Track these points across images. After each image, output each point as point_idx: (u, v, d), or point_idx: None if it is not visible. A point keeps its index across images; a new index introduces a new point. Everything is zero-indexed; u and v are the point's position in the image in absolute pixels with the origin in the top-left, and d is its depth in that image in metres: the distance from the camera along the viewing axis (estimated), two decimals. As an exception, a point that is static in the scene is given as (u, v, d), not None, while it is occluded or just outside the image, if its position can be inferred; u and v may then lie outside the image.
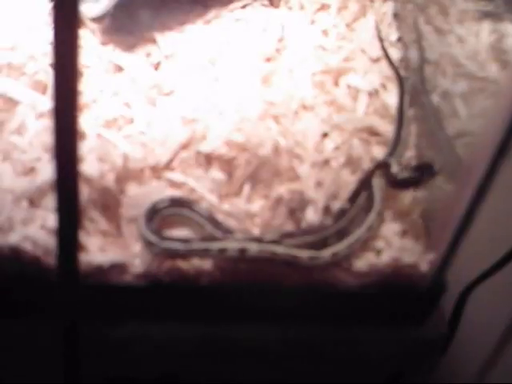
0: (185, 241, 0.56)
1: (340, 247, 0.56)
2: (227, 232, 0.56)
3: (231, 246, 0.55)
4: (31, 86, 0.65)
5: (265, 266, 0.57)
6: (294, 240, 0.56)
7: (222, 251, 0.55)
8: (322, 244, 0.57)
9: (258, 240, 0.56)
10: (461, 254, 0.56)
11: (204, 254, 0.56)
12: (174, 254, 0.56)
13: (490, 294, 0.65)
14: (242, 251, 0.55)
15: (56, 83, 0.38)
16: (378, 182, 0.60)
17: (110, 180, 0.58)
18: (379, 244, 0.58)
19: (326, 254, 0.56)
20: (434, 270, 0.57)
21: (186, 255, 0.56)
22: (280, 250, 0.56)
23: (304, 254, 0.56)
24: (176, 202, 0.58)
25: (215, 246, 0.56)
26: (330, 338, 0.60)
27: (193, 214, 0.57)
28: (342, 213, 0.58)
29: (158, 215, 0.57)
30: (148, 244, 0.56)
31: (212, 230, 0.57)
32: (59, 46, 0.36)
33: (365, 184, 0.60)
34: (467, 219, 0.52)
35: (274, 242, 0.56)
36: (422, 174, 0.60)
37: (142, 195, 0.58)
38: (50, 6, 0.70)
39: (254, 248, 0.55)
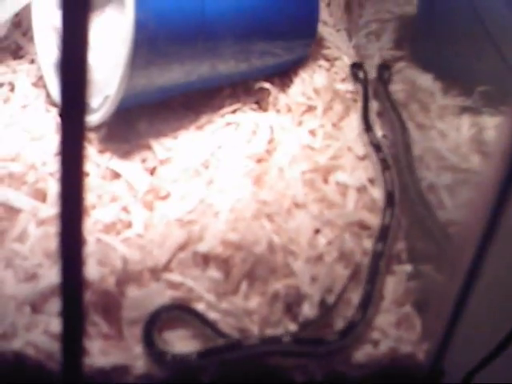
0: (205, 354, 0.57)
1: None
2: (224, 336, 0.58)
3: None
4: (32, 194, 0.68)
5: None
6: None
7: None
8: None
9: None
10: (462, 340, 0.57)
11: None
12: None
13: (494, 379, 0.65)
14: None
15: (62, 192, 0.40)
16: None
17: (110, 283, 0.59)
18: (375, 335, 0.59)
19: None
20: (431, 359, 0.59)
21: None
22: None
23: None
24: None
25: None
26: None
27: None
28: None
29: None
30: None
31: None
32: (65, 156, 0.38)
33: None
34: (459, 307, 0.54)
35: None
36: None
37: (142, 297, 0.60)
38: (54, 116, 0.75)
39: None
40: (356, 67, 0.84)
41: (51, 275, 0.60)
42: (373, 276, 0.62)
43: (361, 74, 0.83)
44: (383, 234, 0.65)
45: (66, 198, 0.40)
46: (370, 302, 0.61)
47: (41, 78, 0.81)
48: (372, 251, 0.64)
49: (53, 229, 0.64)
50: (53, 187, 0.68)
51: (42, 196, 0.68)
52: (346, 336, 0.58)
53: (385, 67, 0.83)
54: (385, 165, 0.72)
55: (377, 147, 0.74)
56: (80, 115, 0.36)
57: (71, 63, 0.34)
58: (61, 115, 0.37)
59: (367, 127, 0.76)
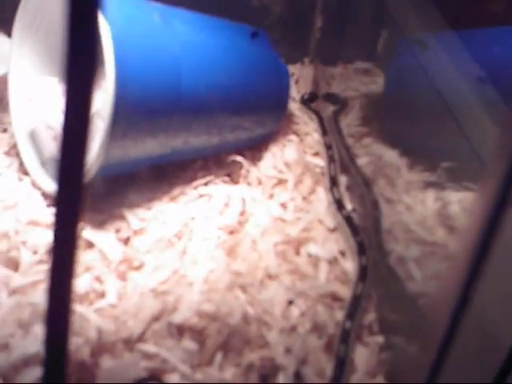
0: None
1: None
2: None
3: None
4: (4, 263, 0.67)
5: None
6: None
7: None
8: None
9: None
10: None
11: None
12: None
13: None
14: None
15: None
16: None
17: (84, 354, 0.59)
18: (349, 407, 0.60)
19: None
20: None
21: None
22: None
23: None
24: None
25: None
26: None
27: None
28: None
29: None
30: None
31: None
32: (60, 229, 0.38)
33: None
34: (432, 379, 0.54)
35: None
36: None
37: (116, 368, 0.59)
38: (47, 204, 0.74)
39: None
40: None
41: (24, 345, 0.59)
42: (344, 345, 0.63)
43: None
44: (354, 307, 0.66)
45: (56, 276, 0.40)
46: (342, 373, 0.61)
47: (13, 147, 0.82)
48: (342, 324, 0.65)
49: (25, 298, 0.64)
50: (25, 256, 0.68)
51: (14, 265, 0.68)
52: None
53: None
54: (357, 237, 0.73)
55: (347, 218, 0.76)
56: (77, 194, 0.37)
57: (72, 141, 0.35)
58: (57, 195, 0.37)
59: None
